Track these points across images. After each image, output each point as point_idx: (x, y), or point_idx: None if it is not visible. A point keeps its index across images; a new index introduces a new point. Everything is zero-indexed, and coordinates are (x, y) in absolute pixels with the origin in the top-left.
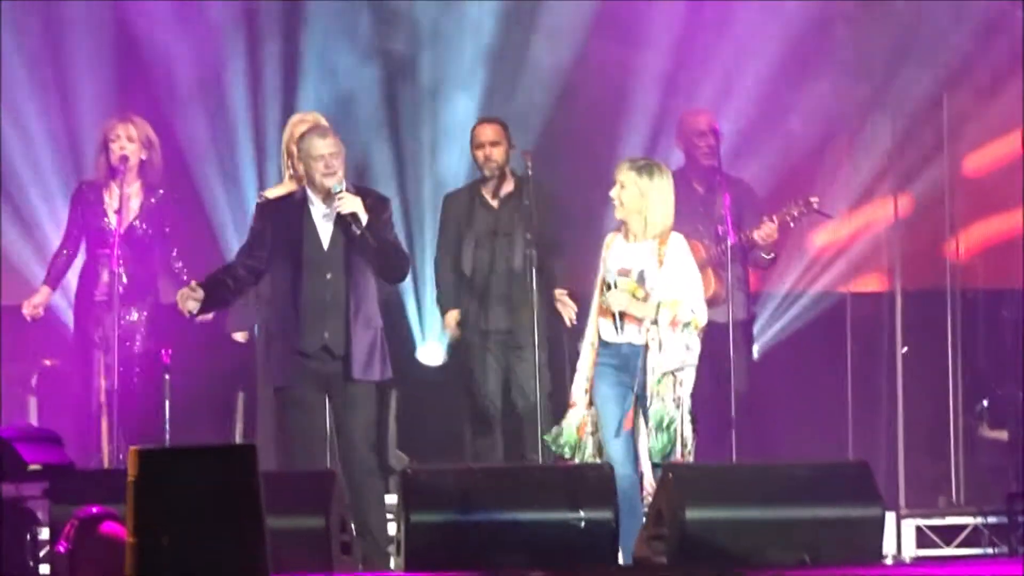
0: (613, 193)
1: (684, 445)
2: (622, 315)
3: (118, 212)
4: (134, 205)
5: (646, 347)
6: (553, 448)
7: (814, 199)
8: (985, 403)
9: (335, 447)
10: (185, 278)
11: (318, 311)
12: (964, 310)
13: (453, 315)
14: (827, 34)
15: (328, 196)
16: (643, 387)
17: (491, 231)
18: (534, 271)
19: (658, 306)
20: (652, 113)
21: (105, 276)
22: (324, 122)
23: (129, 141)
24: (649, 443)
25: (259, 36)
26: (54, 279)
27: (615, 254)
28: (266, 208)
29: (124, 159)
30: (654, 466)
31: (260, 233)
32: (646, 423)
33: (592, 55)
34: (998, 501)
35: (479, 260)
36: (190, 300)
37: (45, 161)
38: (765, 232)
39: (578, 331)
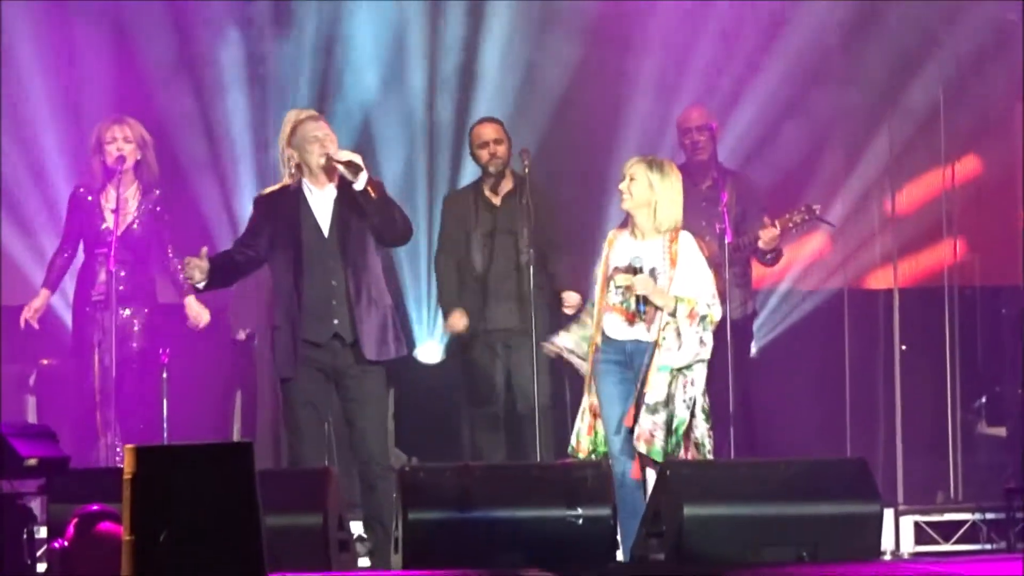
0: (622, 186)
1: (700, 446)
2: (644, 300)
3: (115, 212)
4: (131, 206)
5: (656, 344)
6: (577, 457)
7: (816, 206)
8: (983, 400)
9: (335, 441)
10: (181, 278)
11: (324, 299)
12: (962, 307)
13: (459, 315)
14: (823, 42)
15: (325, 175)
16: (644, 384)
17: (492, 230)
18: (532, 269)
19: (676, 300)
20: (649, 117)
21: (102, 276)
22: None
23: (125, 142)
24: (655, 443)
25: (257, 33)
26: (53, 281)
27: (620, 251)
28: (261, 202)
29: (120, 160)
30: (654, 463)
31: (256, 224)
32: (647, 421)
33: (590, 61)
34: (996, 497)
35: (483, 260)
36: (196, 270)
37: (44, 162)
38: (768, 237)
39: None
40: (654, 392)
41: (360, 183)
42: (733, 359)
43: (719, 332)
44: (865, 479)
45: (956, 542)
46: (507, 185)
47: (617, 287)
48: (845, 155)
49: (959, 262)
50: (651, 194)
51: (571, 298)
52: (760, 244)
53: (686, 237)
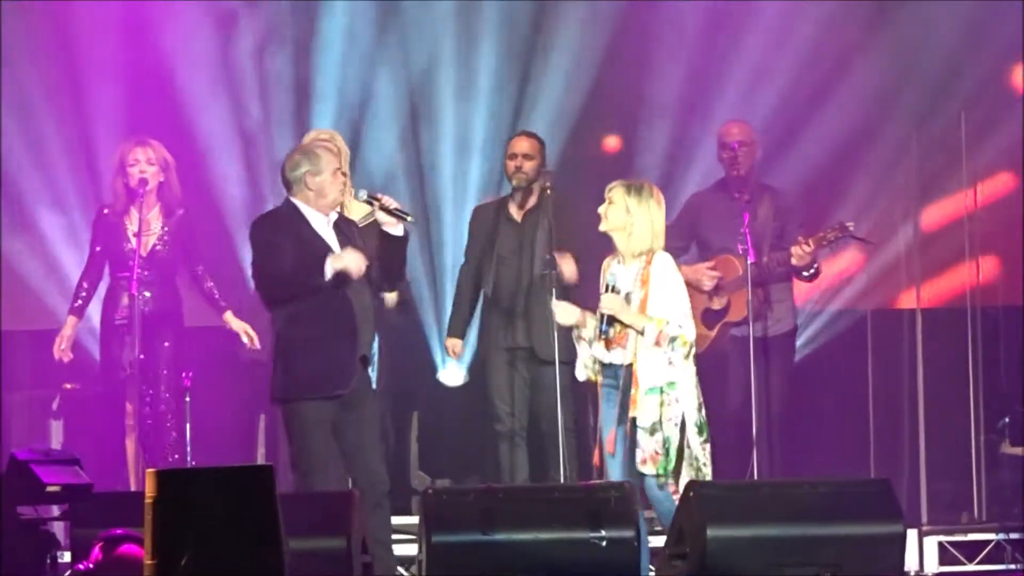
0: (601, 209)
1: (695, 460)
2: (612, 320)
3: (137, 235)
4: (155, 227)
5: (633, 367)
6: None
7: (850, 224)
8: (1007, 420)
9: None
10: (216, 295)
11: (363, 320)
12: (984, 327)
13: (454, 343)
14: (841, 62)
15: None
16: (632, 408)
17: (516, 246)
18: (554, 289)
19: (643, 320)
20: (667, 136)
21: (125, 299)
22: (340, 139)
23: (148, 164)
24: (659, 463)
25: (273, 50)
26: (80, 308)
27: (609, 275)
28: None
29: (143, 182)
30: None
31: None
32: (647, 443)
33: (608, 80)
34: (1020, 517)
35: (503, 276)
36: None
37: (63, 185)
38: (799, 254)
39: None
40: (647, 415)
41: (401, 230)
42: (772, 376)
43: (756, 348)
44: (889, 499)
45: (980, 562)
46: (532, 201)
47: (598, 312)
48: (867, 173)
49: (982, 282)
50: (627, 218)
51: (568, 265)
52: (793, 261)
53: (662, 258)
